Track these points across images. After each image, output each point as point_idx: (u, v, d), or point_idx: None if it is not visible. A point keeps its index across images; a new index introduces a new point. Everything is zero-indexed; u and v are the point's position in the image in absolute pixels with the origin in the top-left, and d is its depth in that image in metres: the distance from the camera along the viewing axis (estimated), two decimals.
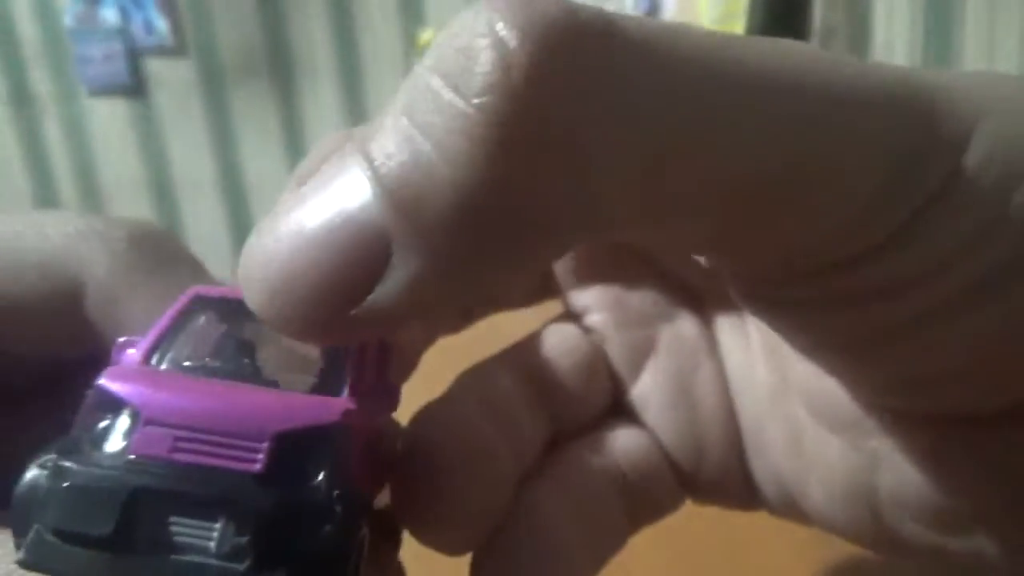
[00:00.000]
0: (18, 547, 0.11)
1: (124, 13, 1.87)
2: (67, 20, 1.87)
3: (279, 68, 1.90)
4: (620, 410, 0.20)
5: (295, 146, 1.94)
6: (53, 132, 1.94)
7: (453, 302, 0.12)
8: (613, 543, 0.18)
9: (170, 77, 1.92)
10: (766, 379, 0.18)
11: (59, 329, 0.17)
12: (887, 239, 0.12)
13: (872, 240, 0.12)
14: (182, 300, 0.14)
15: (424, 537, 0.16)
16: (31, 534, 0.11)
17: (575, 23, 0.10)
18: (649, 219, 0.12)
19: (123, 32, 1.88)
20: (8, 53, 1.89)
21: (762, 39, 0.12)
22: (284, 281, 0.11)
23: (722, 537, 0.27)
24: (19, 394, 0.19)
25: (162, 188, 1.97)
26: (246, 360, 0.13)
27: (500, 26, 0.10)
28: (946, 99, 0.13)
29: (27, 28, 1.88)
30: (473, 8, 0.11)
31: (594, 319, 0.20)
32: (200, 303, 0.14)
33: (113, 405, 0.12)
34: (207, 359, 0.13)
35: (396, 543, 0.15)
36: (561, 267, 0.20)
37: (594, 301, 0.20)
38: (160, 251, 0.17)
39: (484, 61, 0.10)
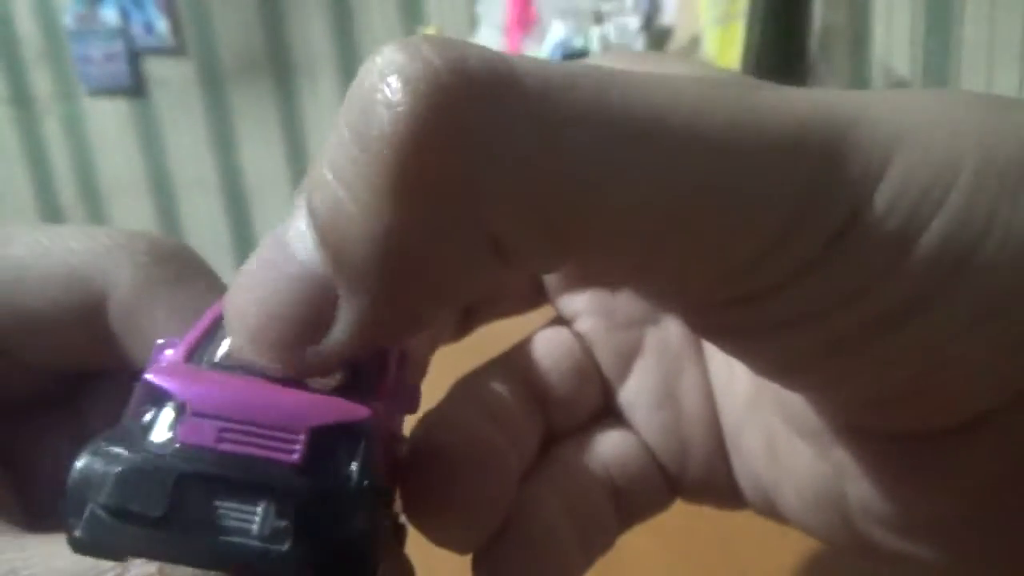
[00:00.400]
0: (73, 527, 0.12)
1: (124, 13, 1.87)
2: (67, 20, 1.87)
3: (279, 68, 1.90)
4: (611, 411, 0.20)
5: (295, 146, 1.94)
6: (53, 132, 1.94)
7: (405, 331, 0.13)
8: (604, 541, 0.19)
9: (170, 77, 1.92)
10: (744, 385, 0.19)
11: (81, 341, 0.18)
12: (795, 271, 0.13)
13: (782, 271, 0.13)
14: (217, 307, 0.14)
15: (437, 536, 0.16)
16: (86, 513, 0.12)
17: (463, 77, 0.11)
18: (556, 257, 0.12)
19: (123, 32, 1.88)
20: (8, 53, 1.89)
21: (670, 78, 0.12)
22: (257, 330, 0.12)
23: (719, 534, 0.27)
24: (31, 403, 0.19)
25: (162, 188, 1.97)
26: None
27: (392, 80, 0.11)
28: (862, 130, 0.13)
29: (27, 28, 1.88)
30: (376, 53, 0.11)
31: (583, 324, 0.20)
32: None
33: (160, 398, 0.13)
34: (246, 363, 0.14)
35: (401, 539, 0.16)
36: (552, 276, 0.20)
37: (583, 306, 0.20)
38: (180, 266, 0.18)
39: (378, 114, 0.11)
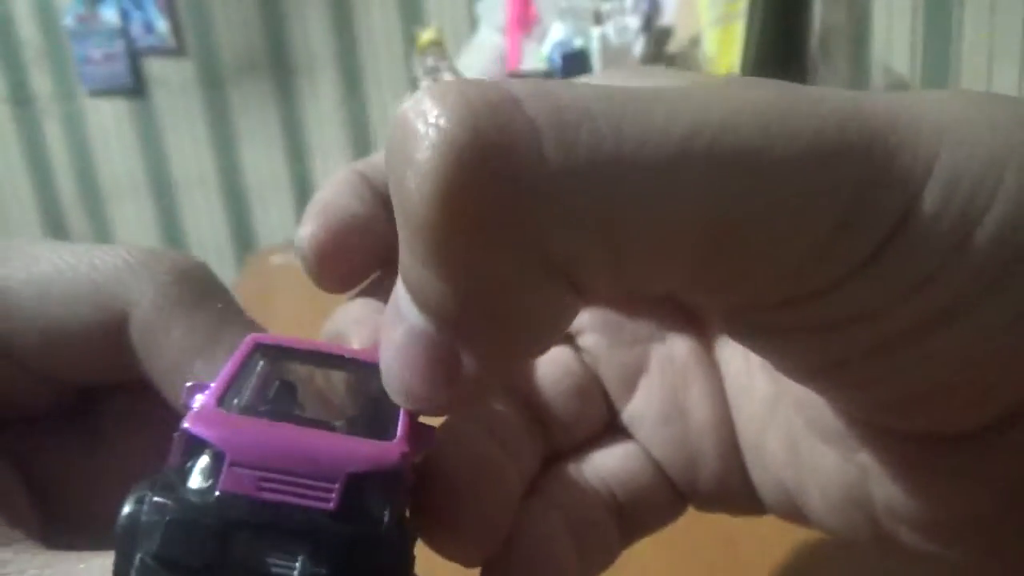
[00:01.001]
0: (124, 574, 0.12)
1: (124, 13, 1.87)
2: (67, 20, 1.87)
3: (279, 68, 1.90)
4: (615, 427, 0.20)
5: (295, 146, 1.94)
6: (53, 132, 1.94)
7: (514, 364, 0.14)
8: (605, 556, 0.19)
9: (170, 77, 1.92)
10: (765, 389, 0.19)
11: (102, 357, 0.18)
12: (848, 271, 0.12)
13: (833, 273, 0.12)
14: (243, 348, 0.15)
15: (447, 551, 0.16)
16: (136, 562, 0.12)
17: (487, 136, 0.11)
18: (618, 279, 0.13)
19: (123, 32, 1.88)
20: (8, 53, 1.89)
21: (698, 91, 0.12)
22: (408, 389, 0.14)
23: (721, 532, 0.27)
24: (48, 416, 0.19)
25: (162, 188, 1.97)
26: (303, 404, 0.15)
27: (422, 135, 0.11)
28: (906, 129, 0.12)
29: (27, 28, 1.88)
30: (407, 104, 0.12)
31: (587, 341, 0.20)
32: (259, 350, 0.15)
33: (199, 447, 0.13)
34: (271, 403, 0.14)
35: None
36: None
37: (587, 323, 0.20)
38: (199, 286, 0.18)
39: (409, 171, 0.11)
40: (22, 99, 1.92)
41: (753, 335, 0.15)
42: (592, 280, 0.12)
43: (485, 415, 0.18)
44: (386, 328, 0.14)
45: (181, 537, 0.12)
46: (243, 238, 1.99)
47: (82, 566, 0.14)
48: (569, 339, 0.21)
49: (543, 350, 0.13)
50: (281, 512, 0.13)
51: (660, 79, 0.17)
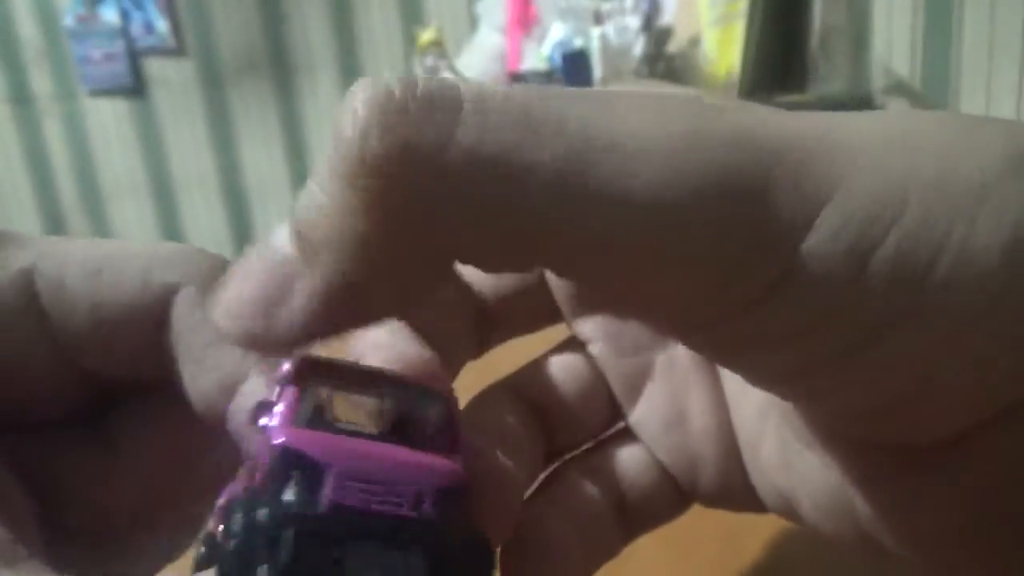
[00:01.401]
0: None
1: (124, 13, 1.87)
2: (67, 20, 1.87)
3: (279, 68, 1.90)
4: (626, 430, 0.21)
5: (295, 146, 1.94)
6: (53, 132, 1.94)
7: (355, 318, 0.14)
8: (607, 552, 0.20)
9: (170, 77, 1.92)
10: (758, 396, 0.19)
11: (144, 344, 0.18)
12: (744, 308, 0.13)
13: (731, 307, 0.13)
14: (298, 365, 0.16)
15: None
16: None
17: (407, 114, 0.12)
18: (519, 269, 0.14)
19: (123, 32, 1.88)
20: (8, 53, 1.89)
21: (614, 119, 0.12)
22: (231, 304, 0.14)
23: (722, 530, 0.27)
24: (60, 424, 0.20)
25: (162, 188, 1.98)
26: (363, 419, 0.15)
27: (358, 109, 0.13)
28: (789, 168, 0.12)
29: (27, 28, 1.88)
30: (355, 86, 0.13)
31: (595, 348, 0.21)
32: (309, 366, 0.16)
33: (295, 461, 0.14)
34: (331, 419, 0.15)
35: None
36: (562, 297, 0.21)
37: (593, 331, 0.21)
38: None
39: (346, 139, 0.13)
40: (22, 99, 1.92)
41: (700, 349, 0.15)
42: (486, 255, 0.13)
43: (491, 417, 0.19)
44: (243, 263, 0.14)
45: (303, 551, 0.13)
46: (243, 238, 1.99)
47: None
48: (580, 347, 0.21)
49: (378, 314, 0.14)
50: (391, 524, 0.13)
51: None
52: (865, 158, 0.13)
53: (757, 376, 0.15)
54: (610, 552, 0.20)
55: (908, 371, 0.13)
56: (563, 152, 0.12)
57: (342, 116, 0.13)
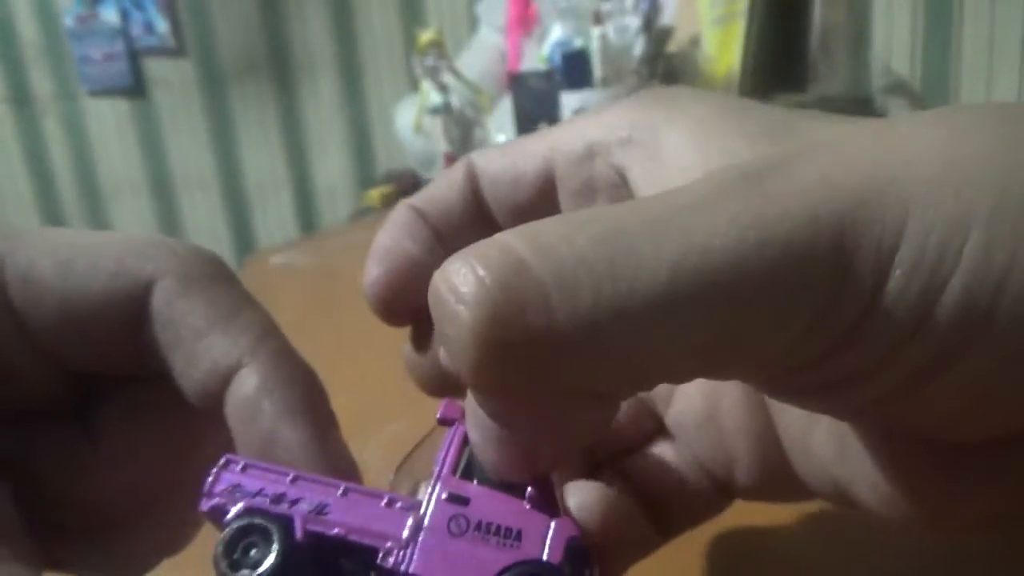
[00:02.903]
0: None
1: (124, 13, 1.87)
2: (67, 20, 1.87)
3: (279, 68, 1.90)
4: (664, 431, 0.23)
5: (295, 146, 1.94)
6: (53, 132, 1.94)
7: (577, 446, 0.16)
8: (640, 550, 0.21)
9: (170, 77, 1.92)
10: None
11: (120, 337, 0.18)
12: (828, 351, 0.14)
13: (816, 351, 0.14)
14: (458, 433, 0.18)
15: None
16: None
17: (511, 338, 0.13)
18: (641, 388, 0.15)
19: (123, 32, 1.88)
20: (8, 53, 1.89)
21: (681, 210, 0.14)
22: (498, 471, 0.16)
23: (726, 529, 0.27)
24: (43, 415, 0.19)
25: (162, 188, 1.98)
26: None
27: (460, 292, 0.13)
28: (871, 208, 0.13)
29: (27, 28, 1.88)
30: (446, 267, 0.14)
31: None
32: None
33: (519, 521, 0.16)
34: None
35: None
36: None
37: None
38: (218, 267, 0.20)
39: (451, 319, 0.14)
40: (22, 99, 1.92)
41: (782, 396, 0.17)
42: (618, 394, 0.15)
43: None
44: (470, 419, 0.16)
45: None
46: (243, 238, 1.99)
47: None
48: None
49: (597, 435, 0.15)
50: (536, 567, 0.16)
51: (677, 106, 0.18)
52: (923, 196, 0.13)
53: (830, 411, 0.16)
54: (644, 548, 0.21)
55: (975, 391, 0.14)
56: (656, 278, 0.13)
57: (448, 313, 0.14)
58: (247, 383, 0.18)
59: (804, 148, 0.15)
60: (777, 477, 0.21)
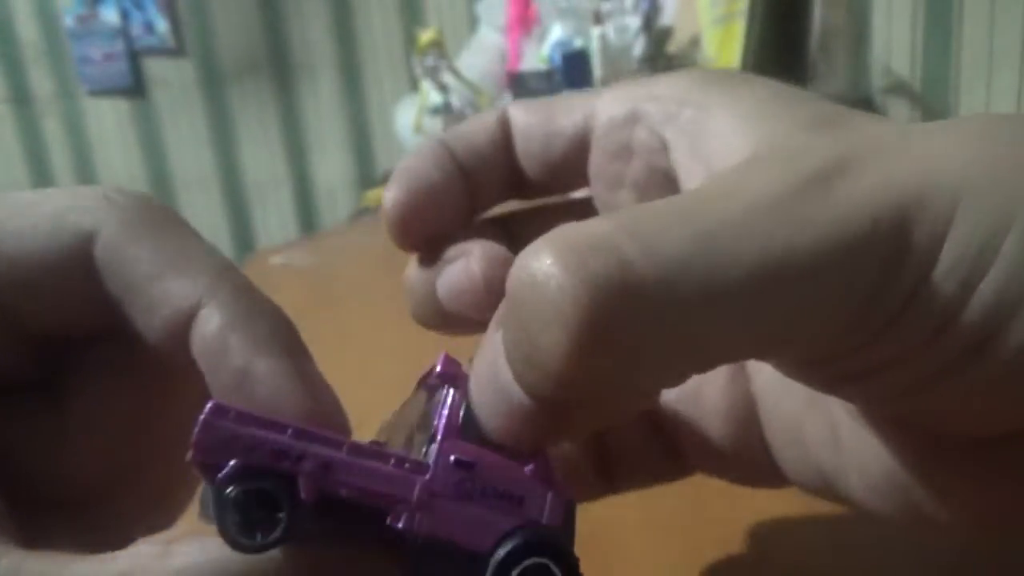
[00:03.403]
0: None
1: (124, 13, 1.87)
2: (67, 20, 1.87)
3: (279, 68, 1.90)
4: None
5: (295, 146, 1.94)
6: (53, 132, 1.94)
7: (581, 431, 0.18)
8: (582, 495, 0.21)
9: (170, 77, 1.92)
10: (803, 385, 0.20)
11: (69, 293, 0.18)
12: (874, 334, 0.14)
13: (858, 340, 0.15)
14: (456, 398, 0.18)
15: None
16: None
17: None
18: (697, 371, 0.15)
19: (123, 32, 1.88)
20: (8, 53, 1.89)
21: (759, 211, 0.14)
22: (499, 437, 0.16)
23: (726, 528, 0.27)
24: (7, 388, 0.19)
25: (162, 188, 1.98)
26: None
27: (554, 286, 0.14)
28: (926, 202, 0.14)
29: (27, 28, 1.88)
30: (533, 259, 0.14)
31: None
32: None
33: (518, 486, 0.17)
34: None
35: None
36: None
37: None
38: (163, 213, 0.19)
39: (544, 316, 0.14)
40: (22, 99, 1.92)
41: (821, 385, 0.17)
42: (673, 384, 0.15)
43: None
44: (481, 382, 0.16)
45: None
46: (242, 238, 1.99)
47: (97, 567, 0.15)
48: None
49: (623, 423, 0.16)
50: (543, 530, 0.16)
51: (729, 87, 0.19)
52: (971, 193, 0.14)
53: (857, 398, 0.17)
54: (586, 492, 0.22)
55: (1000, 385, 0.14)
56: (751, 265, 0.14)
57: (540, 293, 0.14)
58: (211, 321, 0.17)
59: (865, 147, 0.15)
60: (745, 461, 0.21)
